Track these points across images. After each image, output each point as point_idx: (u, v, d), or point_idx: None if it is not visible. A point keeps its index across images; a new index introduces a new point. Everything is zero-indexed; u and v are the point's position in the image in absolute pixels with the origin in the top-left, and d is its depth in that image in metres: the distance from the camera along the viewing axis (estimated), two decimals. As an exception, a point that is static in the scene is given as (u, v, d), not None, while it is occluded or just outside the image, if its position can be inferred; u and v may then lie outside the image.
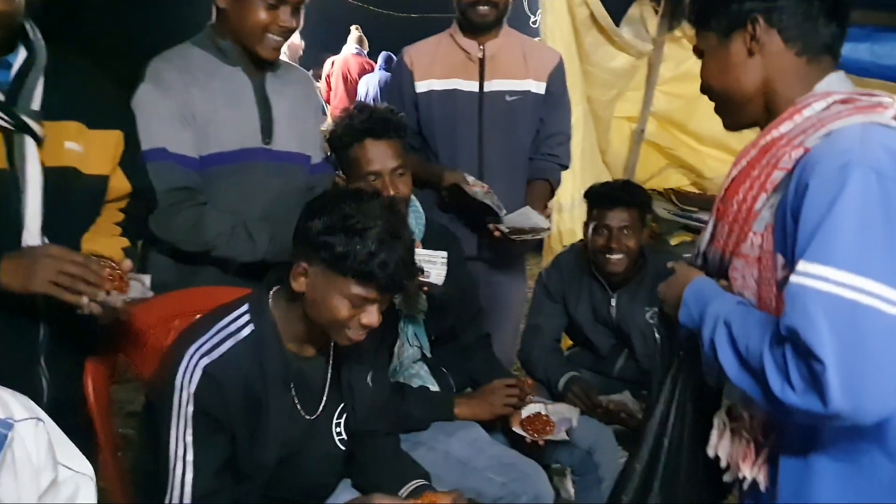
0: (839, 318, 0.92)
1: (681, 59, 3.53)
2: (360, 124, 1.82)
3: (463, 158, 2.32)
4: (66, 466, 1.05)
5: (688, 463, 1.32)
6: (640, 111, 3.71)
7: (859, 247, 0.95)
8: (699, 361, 1.32)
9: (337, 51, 7.56)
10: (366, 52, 7.43)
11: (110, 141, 1.47)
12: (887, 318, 0.93)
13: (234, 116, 1.78)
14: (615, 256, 2.19)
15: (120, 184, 1.49)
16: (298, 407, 1.42)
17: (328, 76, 7.37)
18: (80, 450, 1.09)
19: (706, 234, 1.23)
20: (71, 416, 1.29)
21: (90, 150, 1.41)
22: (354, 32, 7.44)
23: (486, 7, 2.25)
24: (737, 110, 1.21)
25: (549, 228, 2.13)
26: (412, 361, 1.96)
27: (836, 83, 1.13)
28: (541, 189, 2.42)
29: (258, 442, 1.36)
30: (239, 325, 1.36)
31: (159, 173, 1.64)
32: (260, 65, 1.81)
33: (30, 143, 1.30)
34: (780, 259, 1.06)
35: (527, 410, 1.94)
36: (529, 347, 2.39)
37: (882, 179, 0.96)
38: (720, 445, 1.21)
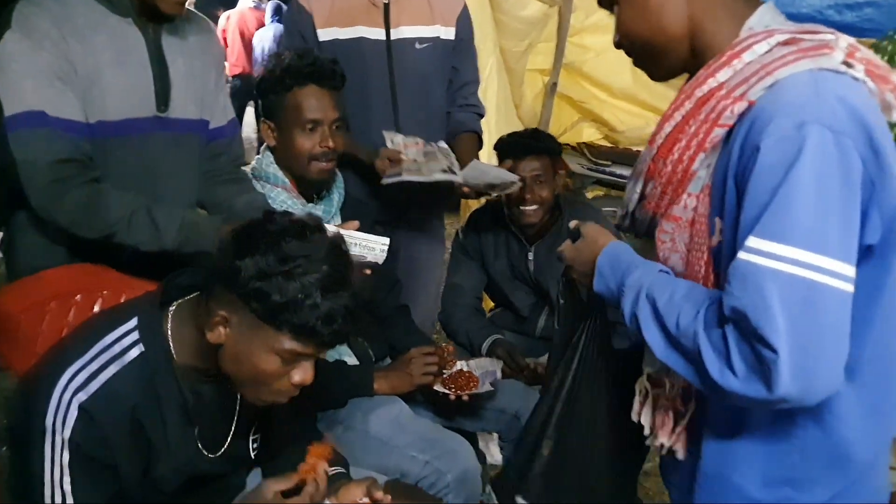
0: (795, 301, 0.85)
1: (590, 10, 3.45)
2: (305, 68, 1.69)
3: (376, 113, 2.16)
4: None
5: (605, 433, 1.28)
6: (552, 63, 3.63)
7: (817, 221, 0.87)
8: (609, 328, 1.28)
9: (233, 4, 7.12)
10: (264, 5, 7.02)
11: None
12: (842, 295, 0.87)
13: (122, 79, 1.49)
14: (530, 207, 2.12)
15: None
16: (199, 443, 1.23)
17: (223, 32, 6.93)
18: None
19: (634, 195, 1.12)
20: None
21: None
22: (251, -15, 7.02)
23: None
24: (662, 58, 1.09)
25: (517, 181, 2.00)
26: (327, 334, 1.82)
27: (769, 17, 1.02)
28: (470, 142, 2.31)
29: (153, 475, 1.18)
30: (124, 345, 1.13)
31: (38, 143, 1.38)
32: (155, 17, 1.53)
33: None
34: (717, 223, 0.98)
35: (448, 371, 1.86)
36: (450, 310, 2.31)
37: (839, 138, 0.88)
38: (643, 412, 1.15)
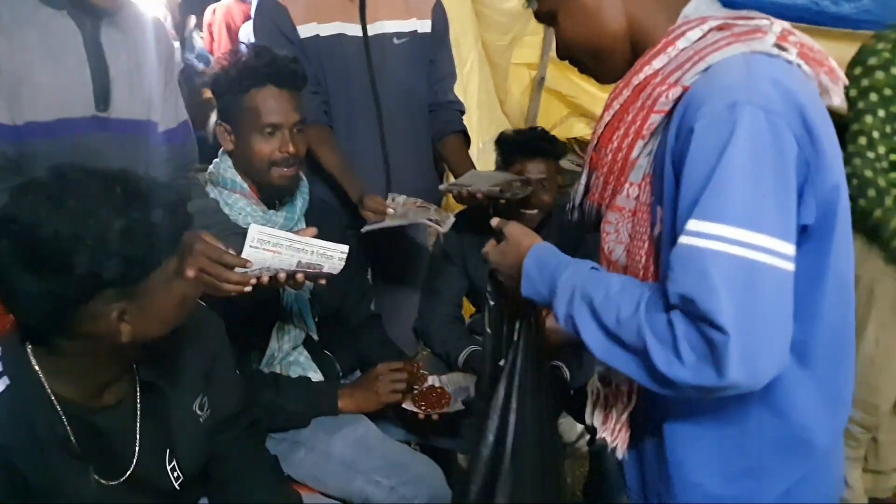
0: (738, 281, 0.84)
1: (579, 1, 3.35)
2: (263, 68, 1.57)
3: (359, 113, 2.05)
4: None
5: (541, 444, 1.22)
6: (539, 57, 3.53)
7: (753, 200, 0.86)
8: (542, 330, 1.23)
9: (220, -3, 6.98)
10: (250, -2, 6.89)
11: None
12: (782, 274, 0.86)
13: (56, 77, 1.39)
14: (530, 212, 1.98)
15: None
16: (94, 473, 1.10)
17: (210, 25, 6.80)
18: None
19: (580, 187, 1.13)
20: None
21: None
22: (238, -24, 6.87)
23: None
24: (607, 61, 1.07)
25: (528, 185, 1.88)
26: (293, 346, 1.72)
27: (704, 5, 1.01)
28: (458, 144, 2.22)
29: None
30: None
31: None
32: (92, 8, 1.43)
33: None
34: (659, 211, 0.97)
35: (419, 387, 1.76)
36: (428, 317, 2.18)
37: (771, 117, 0.87)
38: (595, 413, 1.13)
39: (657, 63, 0.98)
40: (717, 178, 0.86)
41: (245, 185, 1.64)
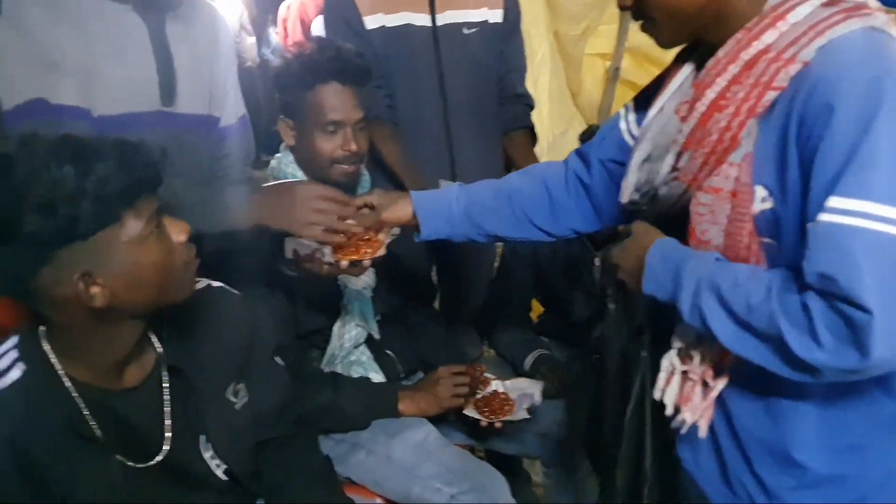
0: (882, 259, 0.84)
1: (658, -12, 3.22)
2: (326, 63, 1.54)
3: (425, 106, 2.01)
4: None
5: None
6: (614, 47, 3.43)
7: None
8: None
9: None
10: (324, -8, 6.96)
11: None
12: None
13: (122, 71, 1.39)
14: None
15: None
16: (117, 456, 1.08)
17: (284, 20, 6.91)
18: None
19: (663, 166, 1.08)
20: None
21: None
22: (312, -28, 6.96)
23: None
24: (681, 24, 1.03)
25: None
26: (354, 346, 1.70)
27: None
28: (524, 140, 2.15)
29: None
30: (1, 368, 1.02)
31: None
32: (157, 2, 1.43)
33: None
34: (761, 191, 0.96)
35: (483, 391, 1.71)
36: (493, 318, 2.14)
37: None
38: (668, 390, 1.11)
39: (767, 38, 0.95)
40: (861, 153, 0.85)
41: (306, 180, 1.62)
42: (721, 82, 0.98)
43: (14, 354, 1.03)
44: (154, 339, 1.13)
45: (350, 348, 1.69)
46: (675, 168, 1.06)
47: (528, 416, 1.63)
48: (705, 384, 1.07)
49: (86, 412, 1.04)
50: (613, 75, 3.48)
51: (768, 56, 0.94)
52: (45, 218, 0.90)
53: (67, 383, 1.04)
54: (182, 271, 1.06)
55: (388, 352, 1.75)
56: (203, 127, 1.54)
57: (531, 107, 2.22)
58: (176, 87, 1.46)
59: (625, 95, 3.67)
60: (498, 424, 1.59)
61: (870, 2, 0.95)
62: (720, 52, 0.99)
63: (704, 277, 0.97)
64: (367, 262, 1.39)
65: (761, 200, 0.96)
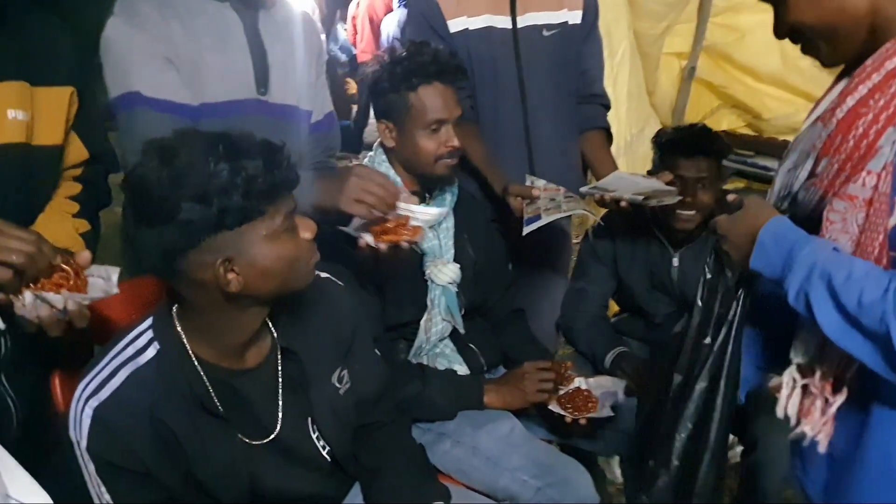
0: None
1: (738, -14, 3.17)
2: (429, 65, 1.61)
3: (504, 107, 2.04)
4: (17, 501, 0.86)
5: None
6: (690, 46, 3.38)
7: None
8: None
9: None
10: (394, -10, 7.04)
11: (61, 100, 1.24)
12: None
13: (223, 61, 1.50)
14: (688, 212, 1.91)
15: (76, 151, 1.28)
16: (238, 432, 1.18)
17: (353, 18, 7.02)
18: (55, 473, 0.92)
19: (802, 172, 1.10)
20: (44, 436, 1.14)
21: (39, 115, 1.20)
22: (382, -30, 7.04)
23: None
24: (843, 42, 1.04)
25: (675, 192, 1.81)
26: (439, 339, 1.75)
27: None
28: (600, 141, 2.15)
29: (195, 479, 1.14)
30: (139, 346, 1.11)
31: (133, 123, 1.39)
32: (252, 1, 1.54)
33: None
34: None
35: (566, 388, 1.73)
36: (572, 316, 2.14)
37: None
38: (790, 404, 1.12)
39: None
40: None
41: (399, 179, 1.68)
42: (863, 90, 0.99)
43: (150, 335, 1.12)
44: (270, 325, 1.20)
45: (435, 341, 1.74)
46: (812, 174, 1.07)
47: (611, 414, 1.65)
48: (826, 400, 1.08)
49: (211, 390, 1.12)
50: (689, 74, 3.44)
51: None
52: (202, 207, 0.98)
53: (196, 362, 1.12)
54: (307, 265, 1.13)
55: (472, 345, 1.79)
56: (294, 117, 1.62)
57: (607, 107, 2.22)
58: (269, 78, 1.56)
59: (699, 94, 3.63)
60: (583, 421, 1.62)
61: None
62: (868, 61, 1.00)
63: (818, 264, 0.97)
64: (405, 245, 1.45)
65: None
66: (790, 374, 1.11)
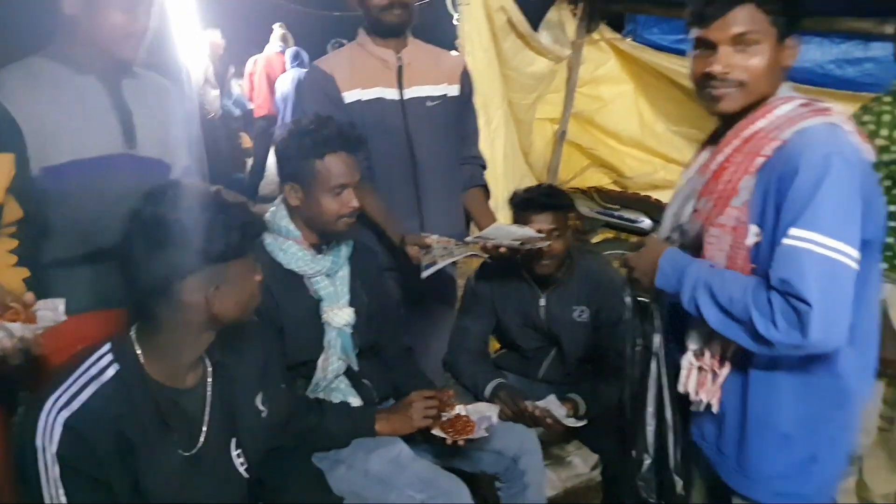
0: (823, 272, 1.22)
1: (599, 62, 3.58)
2: (336, 137, 1.81)
3: (396, 167, 2.30)
4: None
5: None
6: (561, 112, 3.77)
7: (838, 218, 1.24)
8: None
9: (261, 49, 7.38)
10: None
11: (2, 167, 1.37)
12: (851, 271, 1.24)
13: (88, 124, 1.65)
14: (546, 261, 2.21)
15: (12, 211, 1.40)
16: (178, 446, 1.35)
17: (251, 74, 7.18)
18: None
19: (687, 209, 1.49)
20: None
21: None
22: (278, 30, 7.25)
23: (399, 10, 2.23)
24: (743, 97, 1.38)
25: (543, 237, 2.12)
26: (335, 376, 1.92)
27: (786, 88, 1.41)
28: (480, 197, 2.46)
29: (140, 487, 1.30)
30: (101, 366, 1.28)
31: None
32: (116, 72, 1.71)
33: None
34: (754, 228, 1.32)
35: (447, 414, 1.93)
36: (456, 352, 2.38)
37: (852, 166, 1.26)
38: (689, 382, 1.47)
39: (761, 123, 1.36)
40: (814, 200, 1.23)
41: (298, 233, 1.86)
42: (728, 150, 1.40)
43: (109, 357, 1.30)
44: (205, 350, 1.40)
45: (332, 378, 1.91)
46: (695, 210, 1.46)
47: (485, 435, 1.87)
48: (714, 374, 1.43)
49: (160, 406, 1.30)
50: (560, 138, 3.80)
51: (760, 135, 1.35)
52: (210, 242, 1.24)
53: (152, 380, 1.30)
54: (256, 300, 1.39)
55: (365, 381, 1.97)
56: (160, 170, 1.81)
57: (484, 167, 2.53)
58: (136, 134, 1.73)
59: (570, 155, 3.99)
60: (461, 442, 1.82)
61: (832, 106, 1.34)
62: (729, 133, 1.40)
63: (701, 277, 1.36)
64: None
65: (755, 235, 1.32)
66: (687, 358, 1.47)
